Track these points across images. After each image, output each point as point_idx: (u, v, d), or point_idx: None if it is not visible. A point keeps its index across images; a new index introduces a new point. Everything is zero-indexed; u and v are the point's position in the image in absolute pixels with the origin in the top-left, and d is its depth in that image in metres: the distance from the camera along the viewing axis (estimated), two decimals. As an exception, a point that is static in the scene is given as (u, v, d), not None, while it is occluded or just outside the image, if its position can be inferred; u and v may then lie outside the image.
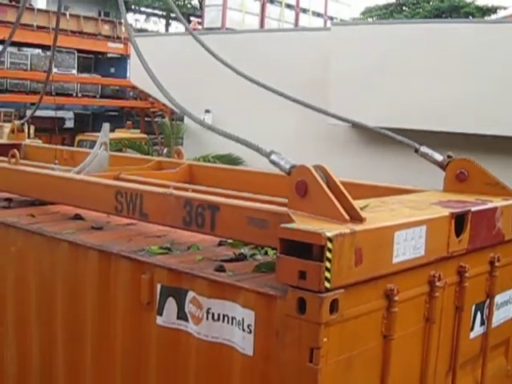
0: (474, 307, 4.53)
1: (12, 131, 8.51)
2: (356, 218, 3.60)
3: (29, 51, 35.30)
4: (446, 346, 4.31)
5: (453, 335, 4.37)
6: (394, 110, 14.57)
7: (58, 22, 7.91)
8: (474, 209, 4.31)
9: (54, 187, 5.51)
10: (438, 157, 5.18)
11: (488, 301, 4.64)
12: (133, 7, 51.53)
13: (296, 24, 27.37)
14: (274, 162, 4.10)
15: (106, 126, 6.71)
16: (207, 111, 18.75)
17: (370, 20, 45.78)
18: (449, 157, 5.10)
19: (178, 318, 4.10)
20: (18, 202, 5.97)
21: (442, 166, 5.12)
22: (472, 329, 4.56)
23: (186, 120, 20.23)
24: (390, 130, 5.69)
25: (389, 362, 3.77)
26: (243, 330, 3.73)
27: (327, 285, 3.31)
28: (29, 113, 25.35)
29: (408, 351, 3.99)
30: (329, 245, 3.29)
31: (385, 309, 3.73)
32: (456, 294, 4.32)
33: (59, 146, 8.92)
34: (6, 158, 6.75)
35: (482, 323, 4.64)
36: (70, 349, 4.86)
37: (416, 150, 5.35)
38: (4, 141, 8.87)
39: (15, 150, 6.64)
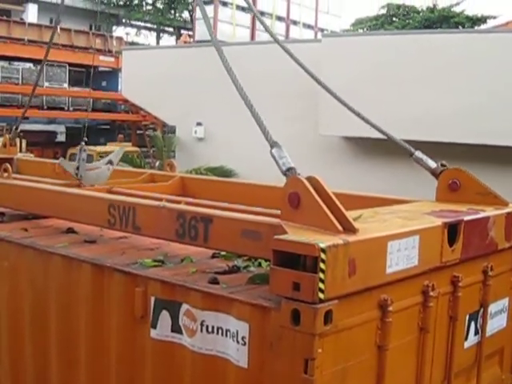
0: (467, 317, 4.52)
1: (4, 145, 8.48)
2: (349, 228, 3.60)
3: (20, 65, 35.29)
4: (440, 356, 4.31)
5: (447, 345, 4.37)
6: (386, 121, 14.54)
7: (52, 37, 7.95)
8: (466, 218, 4.31)
9: (46, 201, 5.50)
10: (432, 163, 5.20)
11: (482, 310, 4.64)
12: (123, 20, 51.56)
13: (287, 36, 27.40)
14: (273, 157, 4.09)
15: (121, 150, 7.23)
16: (199, 124, 18.78)
17: (360, 31, 45.82)
18: (442, 165, 5.11)
19: (172, 330, 4.09)
20: (11, 215, 5.96)
21: (435, 173, 5.13)
22: (466, 338, 4.56)
23: (178, 133, 20.23)
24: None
25: (383, 372, 3.77)
26: (237, 342, 3.73)
27: (321, 296, 3.31)
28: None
29: (402, 361, 3.99)
30: (322, 256, 3.30)
31: (379, 319, 3.73)
32: (450, 304, 4.32)
33: (51, 160, 8.90)
34: (-2, 172, 6.72)
35: (476, 333, 4.64)
36: (64, 362, 4.83)
37: (411, 154, 5.37)
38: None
39: (7, 164, 6.62)
